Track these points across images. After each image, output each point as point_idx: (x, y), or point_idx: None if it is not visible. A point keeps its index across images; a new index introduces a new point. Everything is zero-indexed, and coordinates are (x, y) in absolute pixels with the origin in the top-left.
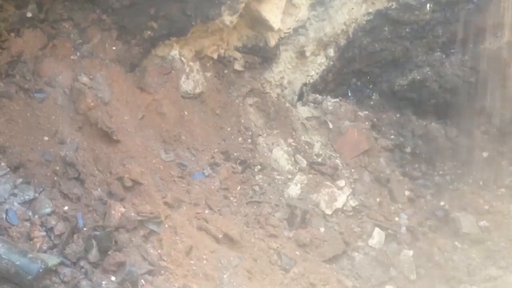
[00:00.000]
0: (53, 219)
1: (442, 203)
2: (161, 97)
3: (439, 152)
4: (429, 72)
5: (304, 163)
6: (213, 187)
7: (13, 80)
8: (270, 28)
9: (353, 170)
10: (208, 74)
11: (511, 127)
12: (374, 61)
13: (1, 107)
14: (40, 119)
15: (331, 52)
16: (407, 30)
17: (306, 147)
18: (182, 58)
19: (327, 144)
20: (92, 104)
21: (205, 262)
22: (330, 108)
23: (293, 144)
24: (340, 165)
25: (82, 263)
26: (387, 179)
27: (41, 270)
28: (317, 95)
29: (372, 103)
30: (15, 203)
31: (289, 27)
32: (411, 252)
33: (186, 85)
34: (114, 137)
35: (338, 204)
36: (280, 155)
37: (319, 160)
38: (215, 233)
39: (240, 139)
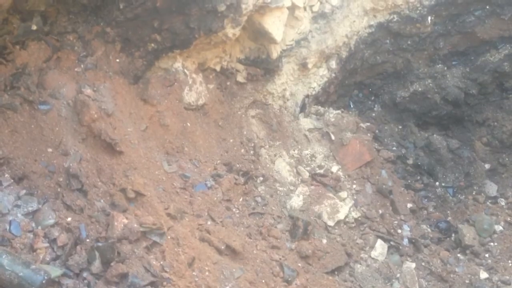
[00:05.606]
0: (56, 230)
1: (444, 215)
2: (164, 108)
3: (441, 163)
4: (430, 84)
5: (306, 174)
6: (215, 198)
7: (17, 92)
8: (273, 41)
9: (355, 182)
10: (211, 86)
11: None
12: (376, 73)
13: (6, 118)
14: (44, 131)
15: (333, 64)
16: (409, 42)
17: (308, 158)
18: (185, 70)
19: (329, 156)
20: (95, 115)
21: (207, 273)
22: (332, 119)
23: (295, 155)
24: (342, 176)
25: (85, 274)
26: (389, 191)
27: (44, 281)
28: (319, 107)
29: (374, 114)
30: (19, 214)
31: (291, 40)
32: (413, 264)
33: (189, 96)
34: (118, 149)
35: (341, 215)
36: (283, 167)
37: (321, 171)
38: (218, 244)
39: (242, 150)
